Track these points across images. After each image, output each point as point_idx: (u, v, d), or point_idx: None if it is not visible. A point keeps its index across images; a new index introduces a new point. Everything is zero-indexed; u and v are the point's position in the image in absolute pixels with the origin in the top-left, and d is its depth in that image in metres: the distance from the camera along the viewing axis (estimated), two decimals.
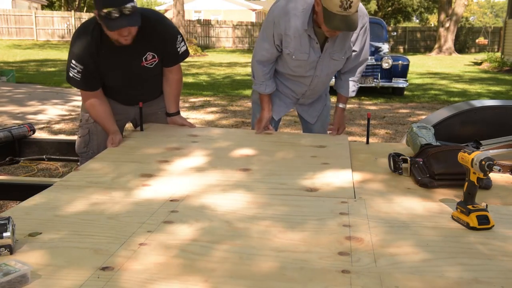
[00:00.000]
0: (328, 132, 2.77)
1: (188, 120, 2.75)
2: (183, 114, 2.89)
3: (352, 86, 2.65)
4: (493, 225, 1.42)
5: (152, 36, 2.35)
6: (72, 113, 6.91)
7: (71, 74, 2.33)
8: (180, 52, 2.53)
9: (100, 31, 2.25)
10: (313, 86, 2.61)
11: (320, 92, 2.72)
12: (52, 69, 13.99)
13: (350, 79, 2.63)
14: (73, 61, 2.30)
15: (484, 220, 1.42)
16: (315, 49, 2.39)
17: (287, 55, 2.42)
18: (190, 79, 11.92)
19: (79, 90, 2.47)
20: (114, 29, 2.14)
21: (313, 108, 2.79)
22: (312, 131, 2.83)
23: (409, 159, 1.92)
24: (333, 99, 2.71)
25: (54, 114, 6.94)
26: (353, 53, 2.49)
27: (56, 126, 6.09)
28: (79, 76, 2.32)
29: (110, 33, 2.20)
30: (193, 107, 7.78)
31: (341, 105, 2.68)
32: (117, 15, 2.09)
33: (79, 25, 2.48)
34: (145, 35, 2.31)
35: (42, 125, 6.07)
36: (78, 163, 2.71)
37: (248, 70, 15.03)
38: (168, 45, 2.46)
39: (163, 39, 2.42)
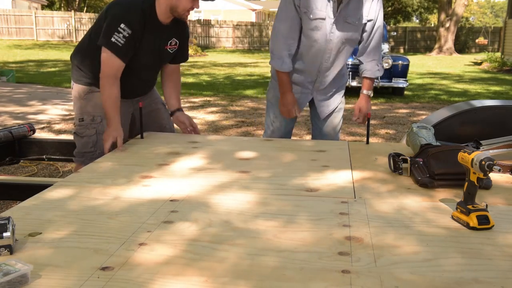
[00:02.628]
0: (354, 118, 2.78)
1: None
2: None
3: (375, 66, 2.69)
4: (493, 225, 1.42)
5: (180, 25, 2.56)
6: (72, 113, 6.90)
7: (113, 39, 2.31)
8: (188, 50, 2.78)
9: (150, 5, 2.37)
10: (328, 58, 2.60)
11: (335, 73, 2.69)
12: (52, 69, 14.00)
13: (371, 59, 2.68)
14: (122, 25, 2.30)
15: (484, 220, 1.41)
16: (330, 7, 2.44)
17: (304, 14, 2.47)
18: (190, 79, 11.93)
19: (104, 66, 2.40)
20: None
21: (331, 100, 2.79)
22: (322, 131, 2.83)
23: (409, 159, 1.92)
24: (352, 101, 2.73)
25: (54, 114, 6.94)
26: (369, 22, 2.55)
27: (57, 126, 6.09)
28: (122, 42, 2.32)
29: (185, 2, 2.36)
30: (194, 107, 7.79)
31: (365, 92, 2.72)
32: None
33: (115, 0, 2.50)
34: (176, 22, 2.50)
35: (43, 125, 6.08)
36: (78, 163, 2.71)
37: (249, 70, 15.04)
38: (185, 37, 2.67)
39: (185, 30, 2.65)
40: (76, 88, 2.56)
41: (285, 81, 2.63)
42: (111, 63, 2.36)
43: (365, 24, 2.56)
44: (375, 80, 9.20)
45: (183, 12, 2.40)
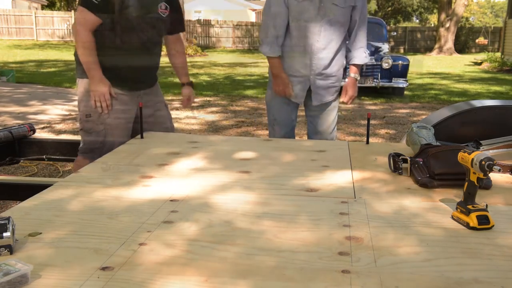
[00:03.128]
0: (341, 99, 2.90)
1: (189, 120, 2.83)
2: (184, 113, 2.96)
3: (363, 53, 2.83)
4: (493, 225, 1.42)
5: None
6: (73, 113, 6.91)
7: None
8: (183, 21, 2.85)
9: None
10: (318, 38, 2.66)
11: (330, 56, 2.75)
12: (52, 69, 13.99)
13: (359, 47, 2.81)
14: None
15: (484, 220, 1.41)
16: None
17: None
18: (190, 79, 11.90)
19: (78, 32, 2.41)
20: None
21: (327, 91, 2.84)
22: (317, 130, 2.85)
23: (409, 159, 1.92)
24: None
25: (54, 114, 6.94)
26: (354, 9, 2.67)
27: (57, 126, 6.09)
28: None
29: None
30: (194, 107, 7.78)
31: (352, 75, 2.86)
32: None
33: None
34: None
35: (43, 125, 6.08)
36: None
37: (249, 70, 15.04)
38: (176, 4, 2.68)
39: None
40: (81, 84, 2.55)
41: (275, 64, 2.74)
42: (84, 21, 2.38)
43: (352, 10, 2.67)
44: (375, 80, 9.22)
45: None
